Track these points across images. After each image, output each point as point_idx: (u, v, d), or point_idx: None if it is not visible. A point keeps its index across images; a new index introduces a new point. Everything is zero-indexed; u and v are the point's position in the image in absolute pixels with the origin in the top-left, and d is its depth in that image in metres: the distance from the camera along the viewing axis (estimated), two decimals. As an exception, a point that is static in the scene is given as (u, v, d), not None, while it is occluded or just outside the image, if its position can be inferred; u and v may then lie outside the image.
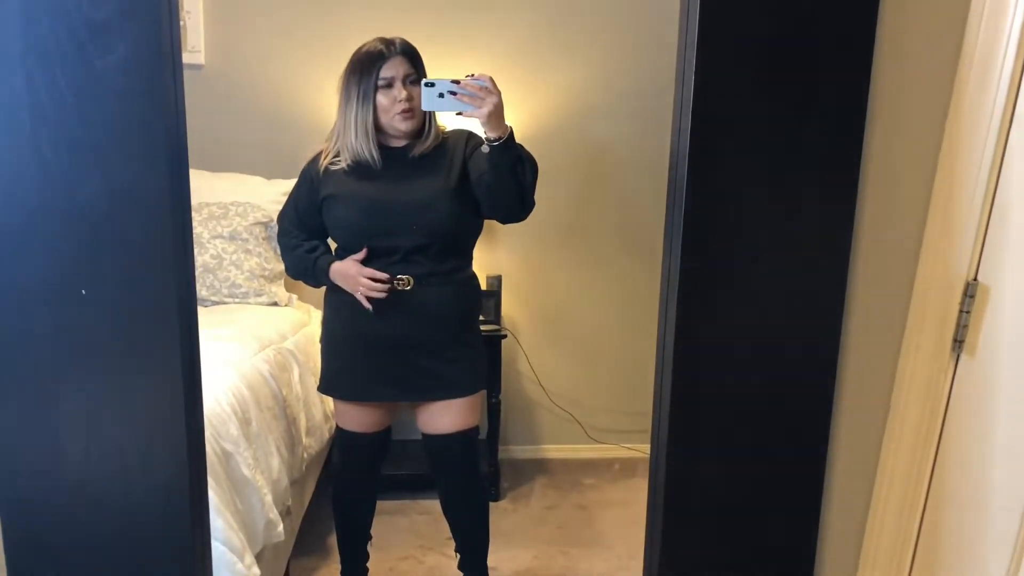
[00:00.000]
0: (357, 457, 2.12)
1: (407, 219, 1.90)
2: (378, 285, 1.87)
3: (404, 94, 1.86)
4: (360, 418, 2.05)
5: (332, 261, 1.95)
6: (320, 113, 2.93)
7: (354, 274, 1.89)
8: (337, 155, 1.94)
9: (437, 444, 2.06)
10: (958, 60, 1.19)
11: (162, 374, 1.06)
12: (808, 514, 1.33)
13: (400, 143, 1.95)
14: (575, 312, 3.26)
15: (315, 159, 1.99)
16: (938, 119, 1.22)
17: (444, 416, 2.03)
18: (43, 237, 0.99)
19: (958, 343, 1.23)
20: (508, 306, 3.16)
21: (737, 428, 1.28)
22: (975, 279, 1.21)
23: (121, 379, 1.05)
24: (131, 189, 0.99)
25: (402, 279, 1.91)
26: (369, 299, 1.89)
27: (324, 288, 2.05)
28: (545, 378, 3.28)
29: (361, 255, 1.90)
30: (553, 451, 3.35)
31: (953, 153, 1.20)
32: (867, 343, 1.29)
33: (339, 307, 2.00)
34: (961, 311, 1.22)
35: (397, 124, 1.89)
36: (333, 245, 2.05)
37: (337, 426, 2.13)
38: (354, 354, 2.00)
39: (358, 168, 1.92)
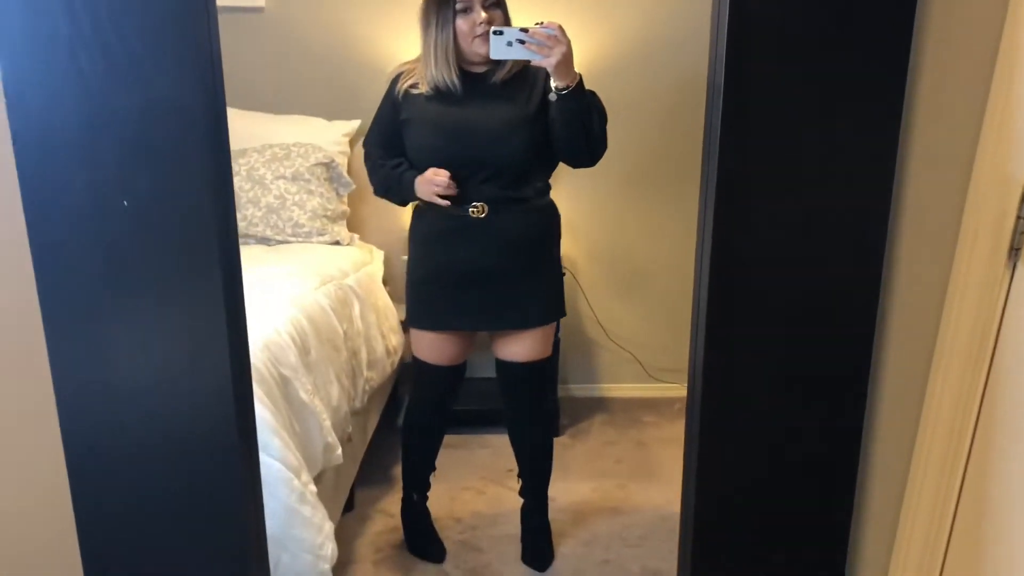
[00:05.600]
0: (432, 389, 2.17)
1: (484, 146, 1.91)
2: (441, 180, 1.89)
3: (484, 16, 1.85)
4: (438, 350, 2.10)
5: (416, 175, 1.96)
6: (380, 52, 2.94)
7: (428, 177, 1.92)
8: (417, 81, 1.96)
9: (510, 371, 2.11)
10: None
11: (203, 285, 1.10)
12: (851, 435, 1.30)
13: (481, 69, 1.95)
14: (634, 251, 3.23)
15: (397, 79, 2.00)
16: (998, 10, 1.14)
17: (518, 345, 2.07)
18: (83, 151, 1.03)
19: (1015, 251, 1.17)
20: (567, 245, 3.14)
21: (775, 347, 1.25)
22: (1035, 182, 1.14)
23: (164, 290, 1.10)
24: (166, 100, 1.02)
25: (476, 206, 1.94)
26: (445, 224, 1.95)
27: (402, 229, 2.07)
28: (604, 317, 3.27)
29: (445, 173, 1.90)
30: (613, 390, 3.35)
31: (1013, 48, 1.12)
32: (917, 252, 1.23)
33: (419, 239, 2.06)
34: (1018, 217, 1.15)
35: (477, 48, 1.88)
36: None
37: (414, 357, 2.17)
38: (432, 284, 2.04)
39: (438, 93, 1.93)
